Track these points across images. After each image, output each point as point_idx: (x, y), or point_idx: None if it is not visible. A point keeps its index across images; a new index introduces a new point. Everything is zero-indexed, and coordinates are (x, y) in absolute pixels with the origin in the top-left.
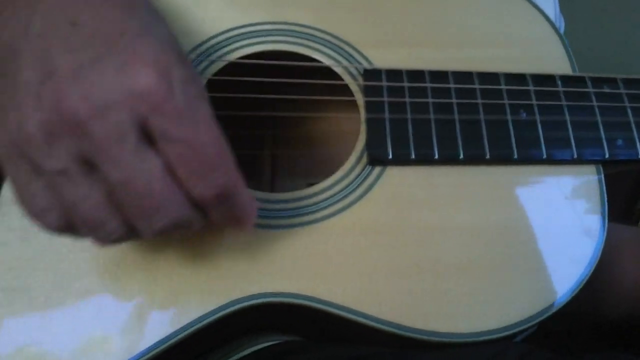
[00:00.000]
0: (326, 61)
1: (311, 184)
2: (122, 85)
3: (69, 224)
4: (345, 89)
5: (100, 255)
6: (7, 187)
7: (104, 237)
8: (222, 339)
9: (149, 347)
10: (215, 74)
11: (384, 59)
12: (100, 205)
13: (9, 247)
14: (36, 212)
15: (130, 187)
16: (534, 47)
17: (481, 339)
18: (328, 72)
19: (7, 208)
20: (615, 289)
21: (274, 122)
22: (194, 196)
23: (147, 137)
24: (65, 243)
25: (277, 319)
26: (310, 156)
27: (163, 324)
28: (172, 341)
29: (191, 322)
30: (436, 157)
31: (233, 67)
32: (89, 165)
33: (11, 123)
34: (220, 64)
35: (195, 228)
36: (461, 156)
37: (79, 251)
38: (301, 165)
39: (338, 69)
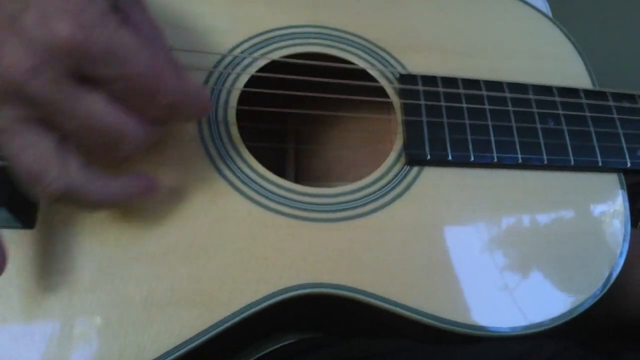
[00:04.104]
0: (361, 64)
1: (333, 184)
2: (44, 43)
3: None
4: (378, 93)
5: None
6: None
7: (49, 187)
8: (252, 335)
9: (196, 335)
10: (258, 71)
11: (417, 64)
12: (49, 152)
13: None
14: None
15: (88, 131)
16: (557, 62)
17: (517, 334)
18: (362, 75)
19: None
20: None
21: (303, 120)
22: (149, 118)
23: (87, 80)
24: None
25: (309, 313)
26: (334, 155)
27: (209, 313)
28: (220, 329)
29: (239, 310)
30: (472, 159)
31: (272, 66)
32: (37, 120)
33: None
34: (262, 62)
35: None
36: (495, 159)
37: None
38: (324, 164)
39: (373, 72)
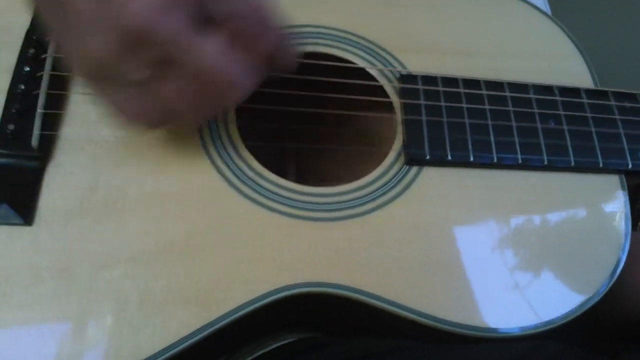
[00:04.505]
0: (361, 63)
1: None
2: None
3: (163, 118)
4: (378, 92)
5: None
6: None
7: (197, 118)
8: (249, 334)
9: (192, 333)
10: None
11: (417, 64)
12: (188, 93)
13: None
14: (135, 115)
15: (202, 73)
16: (558, 61)
17: (518, 334)
18: (362, 75)
19: None
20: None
21: (303, 119)
22: (258, 56)
23: (203, 23)
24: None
25: (306, 312)
26: (333, 154)
27: (205, 311)
28: (216, 327)
29: (235, 309)
30: (471, 159)
31: None
32: (167, 64)
33: (84, 52)
34: None
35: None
36: (495, 160)
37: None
38: (324, 163)
39: (373, 72)
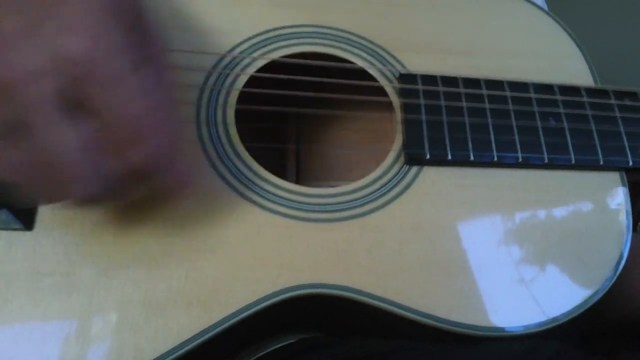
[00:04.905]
0: (361, 63)
1: (334, 184)
2: (53, 52)
3: None
4: (378, 92)
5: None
6: None
7: (33, 196)
8: (251, 335)
9: (194, 336)
10: (257, 71)
11: (416, 63)
12: (28, 167)
13: None
14: None
15: (45, 156)
16: (559, 60)
17: (518, 334)
18: (362, 74)
19: None
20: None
21: (303, 119)
22: (104, 171)
23: (75, 106)
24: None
25: (308, 313)
26: (334, 155)
27: (206, 314)
28: (218, 330)
29: (237, 311)
30: (471, 158)
31: (272, 65)
32: (21, 129)
33: None
34: (261, 62)
35: (110, 201)
36: (495, 158)
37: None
38: (325, 164)
39: (373, 72)
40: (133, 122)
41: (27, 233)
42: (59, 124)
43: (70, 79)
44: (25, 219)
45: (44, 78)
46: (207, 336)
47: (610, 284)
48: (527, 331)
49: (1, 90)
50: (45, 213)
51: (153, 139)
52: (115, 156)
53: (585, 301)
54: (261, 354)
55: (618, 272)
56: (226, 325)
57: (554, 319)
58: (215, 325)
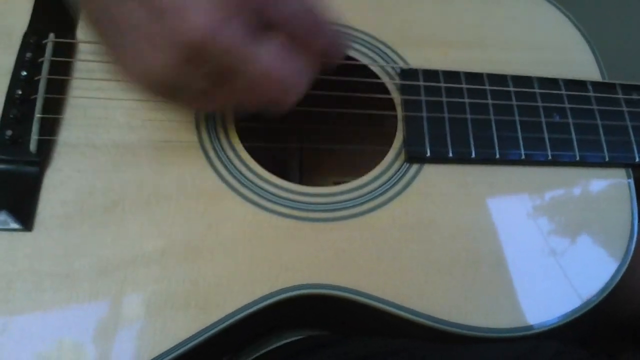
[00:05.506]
0: (363, 60)
1: (338, 182)
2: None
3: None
4: (380, 88)
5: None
6: None
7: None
8: (251, 334)
9: (191, 336)
10: None
11: (419, 58)
12: (245, 97)
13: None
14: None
15: (261, 80)
16: (564, 52)
17: (518, 334)
18: (364, 71)
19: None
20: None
21: (305, 118)
22: (314, 54)
23: (258, 31)
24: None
25: (308, 313)
26: (337, 153)
27: (205, 315)
28: (216, 330)
29: (235, 311)
30: (473, 155)
31: None
32: (226, 73)
33: (142, 68)
34: None
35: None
36: (497, 156)
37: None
38: (328, 162)
39: (375, 68)
40: (310, 18)
41: (27, 233)
42: (257, 54)
43: (253, 5)
44: (25, 220)
45: (228, 23)
46: (204, 337)
47: (615, 281)
48: (512, 334)
49: (198, 50)
50: (45, 213)
51: (325, 24)
52: (308, 50)
53: (587, 303)
54: (262, 352)
55: (625, 266)
56: (225, 325)
57: (544, 324)
58: (213, 325)
